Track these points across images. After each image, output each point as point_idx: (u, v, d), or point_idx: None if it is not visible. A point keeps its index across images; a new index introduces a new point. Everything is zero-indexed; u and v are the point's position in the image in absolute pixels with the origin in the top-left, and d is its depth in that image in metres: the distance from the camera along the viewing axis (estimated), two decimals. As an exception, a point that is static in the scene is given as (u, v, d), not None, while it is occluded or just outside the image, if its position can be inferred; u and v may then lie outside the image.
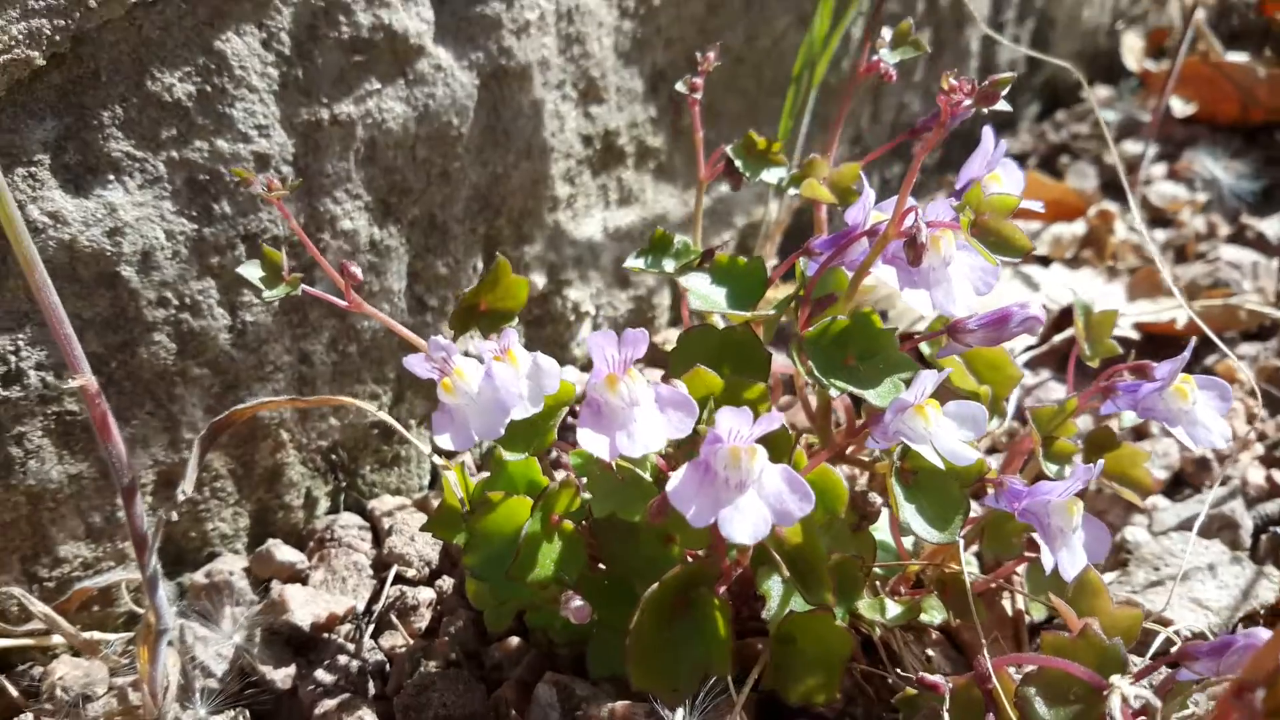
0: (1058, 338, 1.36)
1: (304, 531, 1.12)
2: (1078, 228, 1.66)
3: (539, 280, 1.26)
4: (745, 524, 0.67)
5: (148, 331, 0.93)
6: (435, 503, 1.15)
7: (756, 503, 0.68)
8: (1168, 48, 2.30)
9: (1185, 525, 1.08)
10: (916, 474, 0.79)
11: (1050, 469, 0.83)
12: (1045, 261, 1.60)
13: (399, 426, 0.93)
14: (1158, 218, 1.73)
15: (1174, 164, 1.86)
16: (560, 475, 0.84)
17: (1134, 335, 1.37)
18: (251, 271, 0.82)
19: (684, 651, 0.79)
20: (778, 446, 0.73)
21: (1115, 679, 0.64)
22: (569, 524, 0.81)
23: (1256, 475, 1.14)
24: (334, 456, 1.12)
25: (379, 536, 1.11)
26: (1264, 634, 0.70)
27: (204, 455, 0.89)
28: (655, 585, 0.77)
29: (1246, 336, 1.38)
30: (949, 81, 0.70)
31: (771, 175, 0.94)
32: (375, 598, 1.03)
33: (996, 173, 0.87)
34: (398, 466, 1.19)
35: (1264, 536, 1.07)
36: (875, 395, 0.77)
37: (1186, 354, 0.81)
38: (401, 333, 0.87)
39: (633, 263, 0.91)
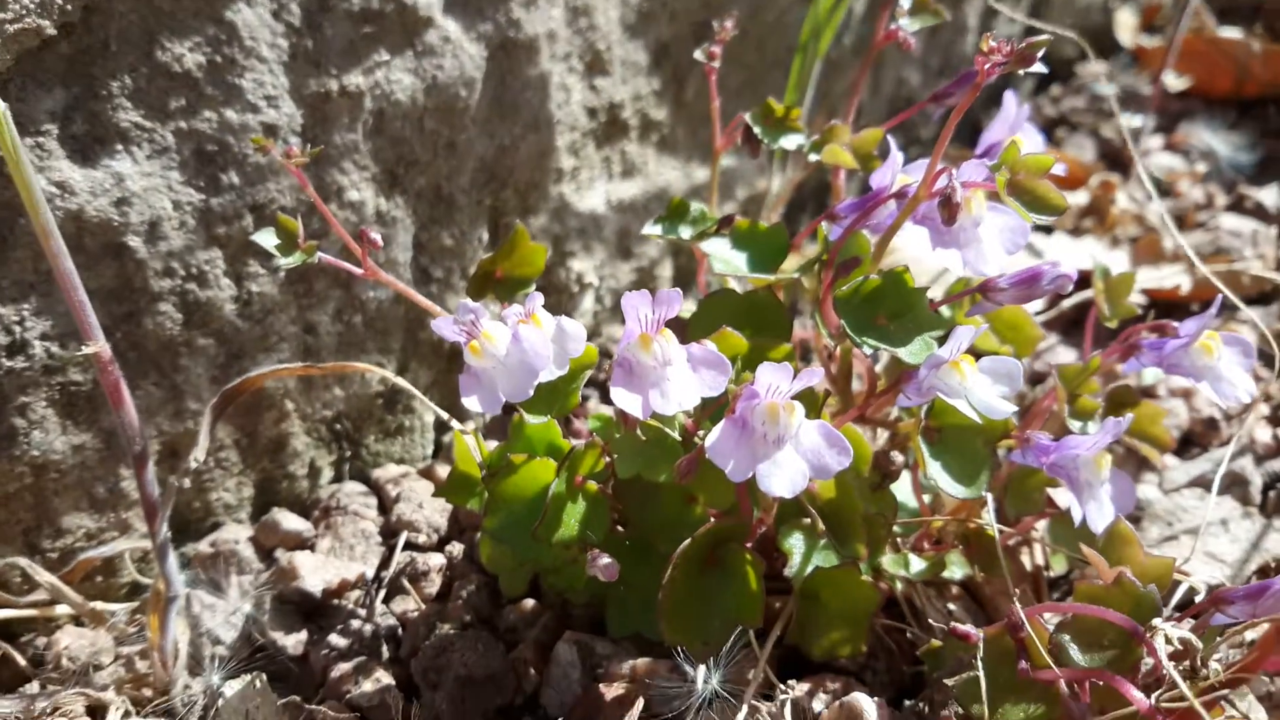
0: (1066, 303, 1.36)
1: (308, 501, 1.11)
2: (1079, 198, 1.66)
3: (542, 251, 1.25)
4: (784, 478, 0.68)
5: (154, 302, 0.92)
6: (441, 471, 1.15)
7: (794, 458, 0.68)
8: (1159, 24, 2.31)
9: (1195, 483, 1.09)
10: (942, 431, 0.79)
11: (1075, 425, 0.84)
12: (1048, 230, 1.61)
13: (414, 390, 0.92)
14: (1157, 188, 1.73)
15: (1170, 136, 1.87)
16: (575, 440, 0.84)
17: (1141, 300, 1.38)
18: (267, 239, 0.80)
19: (716, 605, 0.80)
20: (807, 405, 0.73)
21: (1157, 622, 0.65)
22: (592, 484, 0.81)
23: (1264, 434, 1.15)
24: (338, 426, 1.12)
25: (385, 504, 1.11)
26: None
27: (215, 423, 0.89)
28: (688, 541, 0.77)
29: (1249, 301, 1.39)
30: (989, 43, 0.70)
31: (791, 141, 0.94)
32: (384, 564, 1.03)
33: (1018, 137, 0.87)
34: (401, 436, 1.18)
35: (1272, 492, 1.09)
36: (907, 353, 0.77)
37: (1213, 310, 0.81)
38: (415, 298, 0.86)
39: (650, 229, 0.90)
